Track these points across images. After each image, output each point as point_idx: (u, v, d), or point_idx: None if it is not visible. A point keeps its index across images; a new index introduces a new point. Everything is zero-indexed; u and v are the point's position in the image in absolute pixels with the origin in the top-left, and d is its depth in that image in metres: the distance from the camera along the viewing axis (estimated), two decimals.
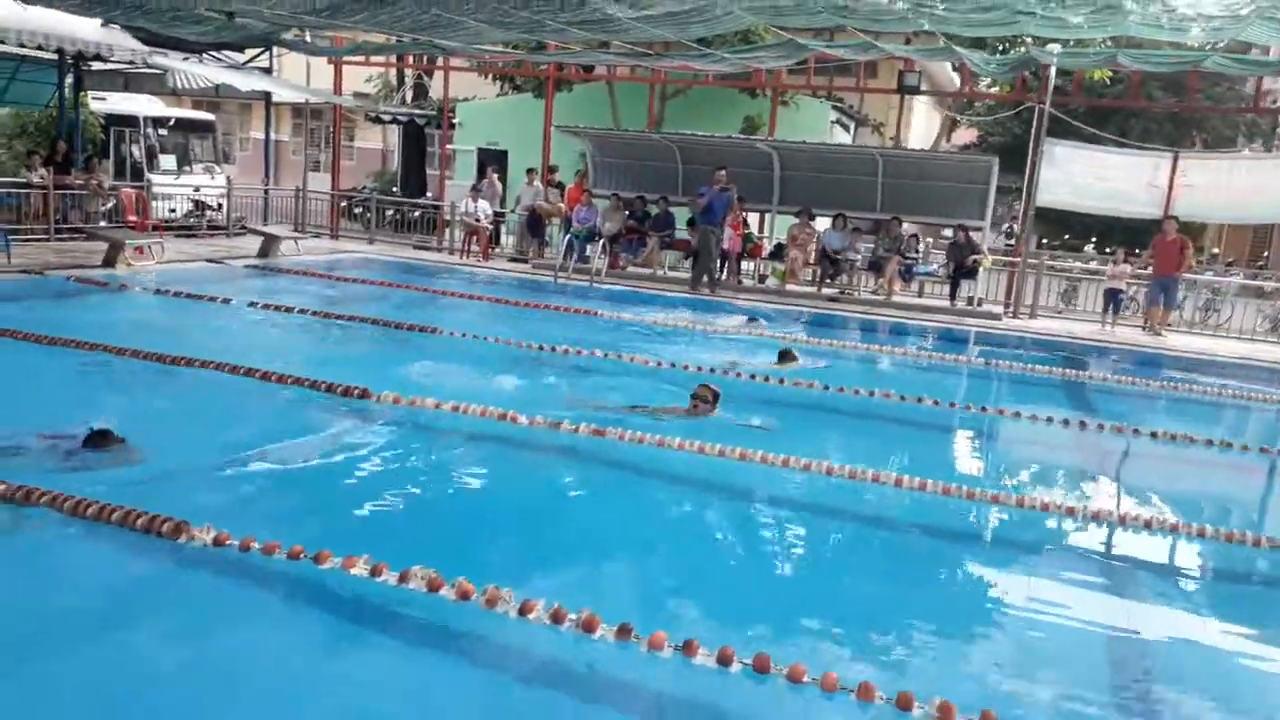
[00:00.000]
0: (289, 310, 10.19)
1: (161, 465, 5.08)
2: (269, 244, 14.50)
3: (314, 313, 10.22)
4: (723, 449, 6.01)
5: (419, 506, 5.28)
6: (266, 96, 19.39)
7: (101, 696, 3.14)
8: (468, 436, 6.38)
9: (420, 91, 28.46)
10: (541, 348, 9.28)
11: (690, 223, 16.83)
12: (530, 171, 18.41)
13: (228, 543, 4.03)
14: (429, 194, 25.07)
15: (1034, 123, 15.91)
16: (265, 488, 5.05)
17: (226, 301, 10.33)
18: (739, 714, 3.35)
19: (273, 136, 21.42)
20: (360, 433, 6.20)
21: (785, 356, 9.80)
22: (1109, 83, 22.59)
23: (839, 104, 23.59)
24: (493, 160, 23.52)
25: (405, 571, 3.85)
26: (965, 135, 33.45)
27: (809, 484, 5.74)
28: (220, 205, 18.65)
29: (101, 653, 3.41)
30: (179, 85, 17.14)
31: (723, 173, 15.28)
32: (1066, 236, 29.79)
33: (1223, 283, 19.24)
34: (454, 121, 25.60)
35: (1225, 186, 15.34)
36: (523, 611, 3.70)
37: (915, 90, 16.44)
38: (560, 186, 18.54)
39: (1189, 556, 5.36)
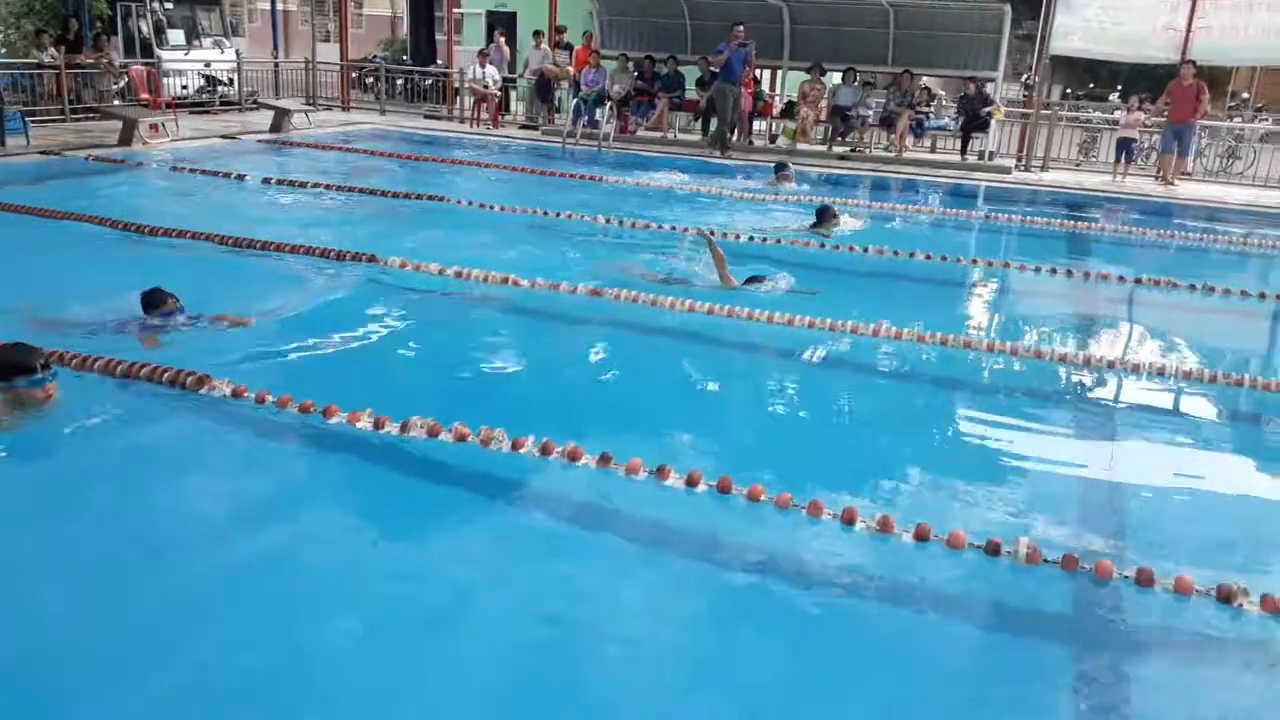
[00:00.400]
0: (302, 185, 10.47)
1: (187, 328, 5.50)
2: (280, 118, 14.64)
3: (326, 185, 10.49)
4: (712, 307, 6.34)
5: (418, 364, 5.71)
6: None
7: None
8: (471, 299, 6.74)
9: None
10: (546, 213, 9.55)
11: (699, 82, 16.73)
12: (538, 34, 18.22)
13: (245, 395, 4.48)
14: (439, 61, 24.78)
15: None
16: (277, 347, 5.45)
17: (241, 177, 10.61)
18: (709, 529, 3.75)
19: (280, 6, 21.26)
20: (366, 297, 6.59)
21: (825, 215, 9.49)
22: None
23: None
24: (501, 23, 23.15)
25: (406, 422, 4.27)
26: None
27: (805, 338, 6.06)
28: (231, 80, 18.66)
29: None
30: None
31: (740, 28, 15.00)
32: (1092, 85, 29.17)
33: (1245, 128, 18.97)
34: None
35: (1245, 27, 14.96)
36: (514, 447, 4.13)
37: None
38: (569, 48, 18.34)
39: (1165, 396, 5.64)
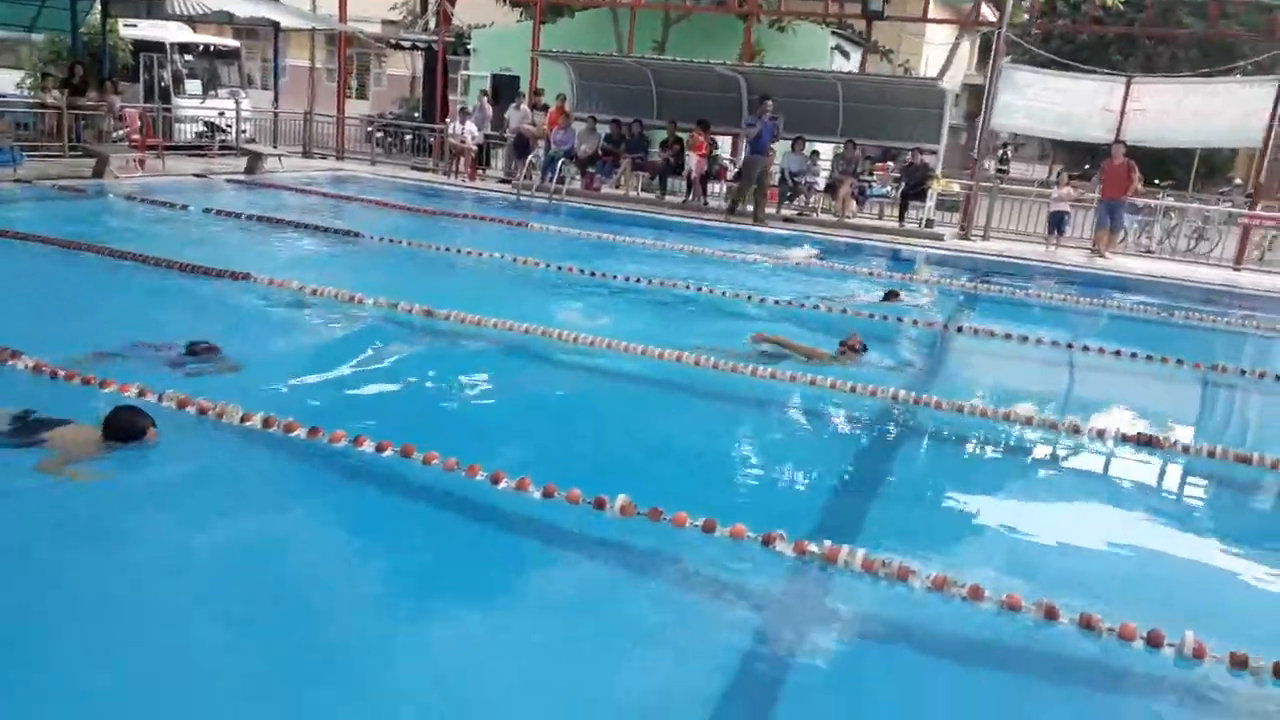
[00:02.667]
0: (235, 215, 11.43)
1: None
2: (254, 161, 15.79)
3: (258, 217, 11.43)
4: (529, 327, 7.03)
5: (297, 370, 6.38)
6: (275, 25, 20.54)
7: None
8: (321, 312, 7.49)
9: (444, 18, 29.29)
10: (447, 249, 10.39)
11: (663, 144, 17.63)
12: (518, 96, 19.32)
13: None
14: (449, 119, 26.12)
15: (993, 48, 16.26)
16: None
17: (184, 208, 11.60)
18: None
19: (302, 63, 22.68)
20: (239, 307, 7.41)
21: (891, 297, 9.88)
22: (1122, 8, 22.42)
23: (840, 30, 23.79)
24: (506, 85, 24.40)
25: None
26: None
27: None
28: (229, 128, 19.97)
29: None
30: (177, 10, 18.30)
31: (769, 103, 15.52)
32: (1087, 166, 29.61)
33: (1208, 210, 19.29)
34: (469, 48, 26.56)
35: (1175, 111, 15.49)
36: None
37: (879, 15, 16.81)
38: (546, 109, 19.39)
39: (1034, 442, 5.94)
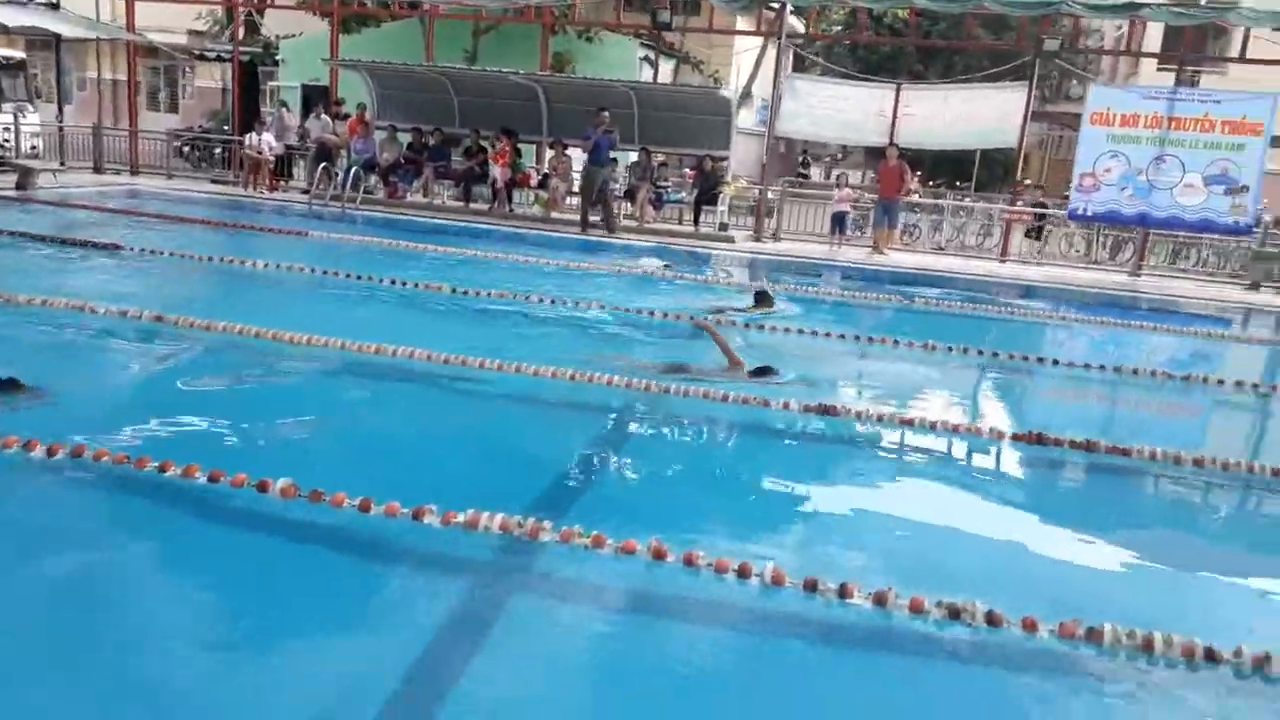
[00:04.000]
0: None
1: None
2: (25, 176, 15.08)
3: (11, 233, 10.96)
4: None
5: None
6: (56, 36, 19.63)
7: None
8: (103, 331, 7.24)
9: (251, 28, 28.56)
10: (211, 259, 10.24)
11: (466, 151, 17.72)
12: (317, 105, 19.07)
13: None
14: (302, 125, 25.45)
15: (776, 59, 17.07)
16: None
17: None
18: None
19: (109, 75, 21.69)
20: None
21: (761, 299, 9.88)
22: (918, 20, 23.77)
23: (648, 42, 24.37)
24: (317, 96, 23.96)
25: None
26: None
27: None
28: (8, 143, 18.96)
29: None
30: None
31: (606, 114, 15.62)
32: (958, 182, 30.61)
33: (991, 210, 20.67)
34: (277, 59, 26.00)
35: (940, 115, 16.64)
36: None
37: (668, 27, 17.39)
38: (347, 118, 19.19)
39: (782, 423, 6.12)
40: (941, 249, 17.56)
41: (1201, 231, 15.88)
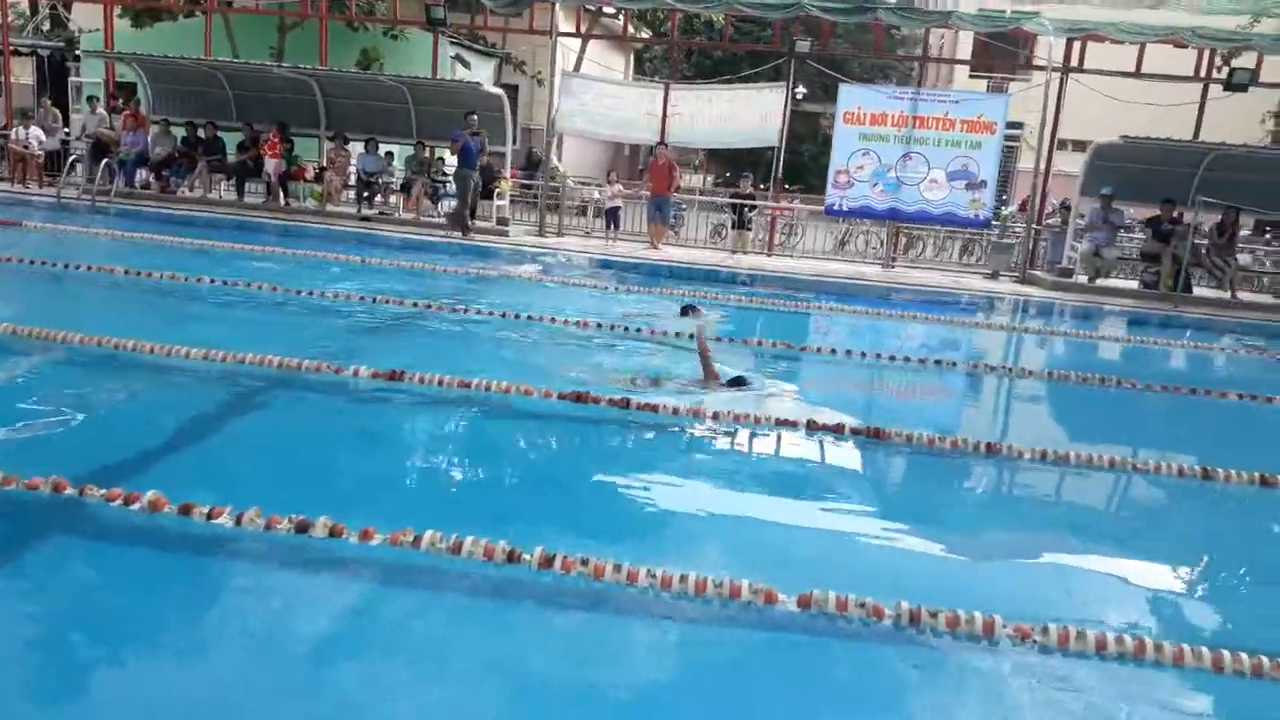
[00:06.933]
0: None
1: None
2: None
3: None
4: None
5: None
6: None
7: None
8: None
9: (57, 21, 27.63)
10: None
11: (240, 146, 17.48)
12: (92, 100, 18.58)
13: None
14: (66, 128, 24.60)
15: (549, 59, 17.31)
16: None
17: None
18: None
19: None
20: None
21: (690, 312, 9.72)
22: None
23: (458, 40, 24.38)
24: (123, 92, 23.31)
25: None
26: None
27: None
28: None
29: None
30: None
31: (474, 118, 15.41)
32: (747, 174, 31.37)
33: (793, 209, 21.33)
34: (78, 53, 25.18)
35: (705, 115, 17.11)
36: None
37: (442, 23, 17.47)
38: (123, 113, 18.75)
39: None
40: (716, 246, 18.03)
41: (946, 225, 16.73)
